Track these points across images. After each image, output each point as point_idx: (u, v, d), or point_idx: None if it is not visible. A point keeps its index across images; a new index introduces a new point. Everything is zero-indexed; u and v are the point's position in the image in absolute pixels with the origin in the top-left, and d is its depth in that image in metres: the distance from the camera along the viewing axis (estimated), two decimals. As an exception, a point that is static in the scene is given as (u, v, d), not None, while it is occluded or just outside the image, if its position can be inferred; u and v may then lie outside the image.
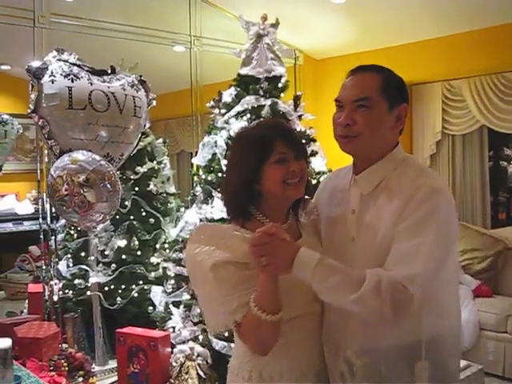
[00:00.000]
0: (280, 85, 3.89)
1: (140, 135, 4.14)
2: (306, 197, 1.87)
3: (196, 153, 4.16)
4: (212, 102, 3.96)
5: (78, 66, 3.73)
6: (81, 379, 3.40)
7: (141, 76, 4.07)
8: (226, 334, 3.37)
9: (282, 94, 3.91)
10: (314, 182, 3.75)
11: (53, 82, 3.55)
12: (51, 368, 3.27)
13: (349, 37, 5.52)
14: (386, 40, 5.46)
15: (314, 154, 3.85)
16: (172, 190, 5.04)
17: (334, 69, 6.00)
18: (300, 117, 3.94)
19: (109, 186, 3.39)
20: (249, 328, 1.60)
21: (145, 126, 4.08)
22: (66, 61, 3.66)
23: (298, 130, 3.80)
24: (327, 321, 1.75)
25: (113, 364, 4.04)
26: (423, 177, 1.65)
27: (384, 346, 1.61)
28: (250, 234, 1.63)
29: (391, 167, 1.71)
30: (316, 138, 3.96)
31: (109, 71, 3.88)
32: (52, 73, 3.57)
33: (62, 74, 3.59)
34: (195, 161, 3.98)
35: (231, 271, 1.61)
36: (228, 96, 3.88)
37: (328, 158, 4.08)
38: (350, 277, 1.51)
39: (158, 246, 4.68)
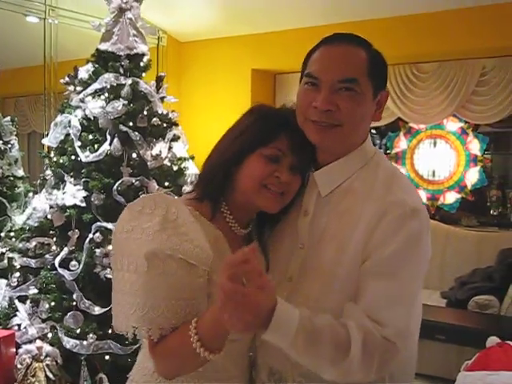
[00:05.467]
0: (142, 64, 3.64)
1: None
2: None
3: (48, 134, 3.82)
4: (67, 78, 3.62)
5: None
6: None
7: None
8: (78, 331, 3.12)
9: (143, 74, 3.67)
10: (175, 168, 3.60)
11: None
12: None
13: (215, 20, 5.37)
14: (253, 26, 5.38)
15: (175, 138, 3.67)
16: (20, 173, 4.65)
17: (198, 53, 5.84)
18: (162, 99, 3.72)
19: None
20: (173, 353, 1.28)
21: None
22: None
23: (160, 112, 3.60)
24: (264, 346, 1.42)
25: None
26: (397, 188, 1.37)
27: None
28: (208, 225, 1.37)
29: (358, 165, 1.43)
30: (178, 123, 3.77)
31: None
32: None
33: None
34: (46, 142, 3.63)
35: (172, 270, 1.26)
36: (85, 72, 3.57)
37: (189, 143, 3.94)
38: (333, 341, 1.20)
39: (2, 234, 4.29)
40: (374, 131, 6.35)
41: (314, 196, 1.45)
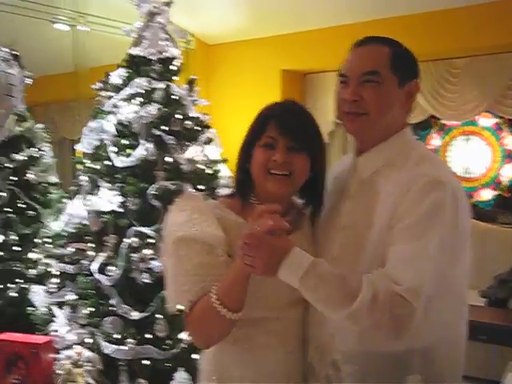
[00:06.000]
0: (173, 67, 3.64)
1: (13, 117, 3.74)
2: None
3: (79, 140, 3.84)
4: (99, 84, 3.64)
5: None
6: None
7: (14, 50, 3.67)
8: (117, 337, 3.12)
9: (175, 78, 3.67)
10: (208, 171, 3.58)
11: None
12: None
13: (243, 22, 5.36)
14: (281, 27, 5.36)
15: (209, 141, 3.66)
16: (53, 179, 4.67)
17: (226, 55, 5.84)
18: (194, 102, 3.72)
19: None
20: (200, 318, 1.47)
21: (18, 107, 3.68)
22: None
23: (193, 115, 3.59)
24: (314, 319, 1.59)
25: (-13, 373, 3.67)
26: (423, 164, 1.49)
27: (374, 352, 1.46)
28: (233, 216, 1.57)
29: (395, 151, 1.56)
30: (211, 125, 3.76)
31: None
32: None
33: None
34: (79, 148, 3.65)
35: (194, 251, 1.48)
36: (117, 78, 3.58)
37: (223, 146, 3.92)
38: (343, 288, 1.35)
39: (38, 240, 4.32)
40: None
41: (356, 180, 1.60)
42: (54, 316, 3.38)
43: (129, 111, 3.41)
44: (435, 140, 5.98)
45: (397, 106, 1.55)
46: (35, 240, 4.28)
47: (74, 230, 3.42)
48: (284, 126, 1.53)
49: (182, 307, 1.50)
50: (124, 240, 3.25)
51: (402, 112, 1.58)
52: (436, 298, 1.37)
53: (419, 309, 1.30)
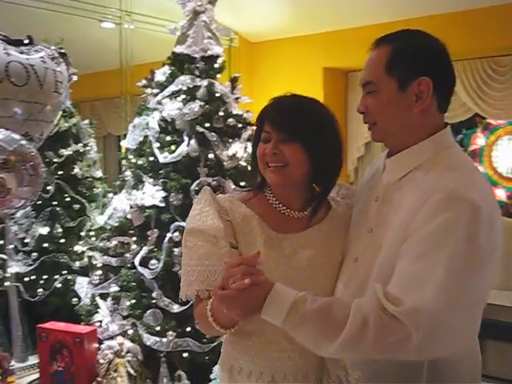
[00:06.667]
0: (216, 65, 3.69)
1: (60, 113, 3.84)
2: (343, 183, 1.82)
3: (125, 136, 3.92)
4: (144, 81, 3.71)
5: (-9, 34, 3.41)
6: (-2, 378, 3.13)
7: (61, 48, 3.76)
8: (158, 329, 3.19)
9: (218, 75, 3.71)
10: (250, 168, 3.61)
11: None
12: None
13: (285, 20, 5.38)
14: (324, 25, 5.35)
15: (251, 138, 3.69)
16: (98, 174, 4.78)
17: (269, 52, 5.88)
18: (237, 99, 3.75)
19: (30, 168, 3.11)
20: (201, 317, 1.55)
21: (65, 103, 3.77)
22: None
23: (235, 112, 3.63)
24: None
25: (34, 360, 3.79)
26: (450, 173, 1.36)
27: (380, 361, 1.37)
28: (243, 208, 1.62)
29: (426, 155, 1.44)
30: (253, 123, 3.79)
31: (25, 41, 3.55)
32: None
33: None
34: (124, 143, 3.73)
35: (200, 242, 1.56)
36: (161, 75, 3.65)
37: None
38: (328, 321, 1.28)
39: (83, 233, 4.43)
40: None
41: (384, 183, 1.54)
42: (97, 307, 3.46)
43: (172, 108, 3.47)
44: (480, 139, 5.87)
45: (401, 110, 1.44)
46: (80, 233, 4.40)
47: (118, 224, 3.50)
48: (274, 120, 1.58)
49: (192, 297, 1.56)
50: (166, 234, 3.31)
51: (416, 115, 1.44)
52: (446, 315, 1.26)
53: (417, 333, 1.21)
